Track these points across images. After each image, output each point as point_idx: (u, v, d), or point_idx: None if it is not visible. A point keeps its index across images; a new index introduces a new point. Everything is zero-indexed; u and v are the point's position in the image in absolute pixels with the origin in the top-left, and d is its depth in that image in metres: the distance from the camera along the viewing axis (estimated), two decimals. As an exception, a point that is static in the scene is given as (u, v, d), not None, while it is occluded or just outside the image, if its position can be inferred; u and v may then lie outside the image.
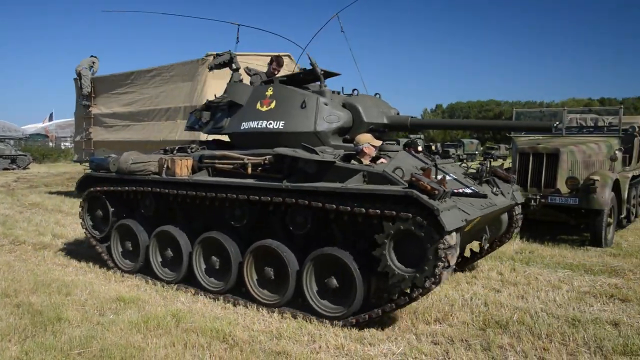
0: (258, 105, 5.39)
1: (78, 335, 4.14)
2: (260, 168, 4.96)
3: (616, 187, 7.93)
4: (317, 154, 4.53)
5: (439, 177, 4.22)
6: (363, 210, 4.11)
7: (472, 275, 5.93)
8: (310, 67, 5.36)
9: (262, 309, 4.78)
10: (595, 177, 7.43)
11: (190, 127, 6.33)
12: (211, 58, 11.23)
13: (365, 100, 5.38)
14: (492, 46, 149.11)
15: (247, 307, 4.87)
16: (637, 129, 9.76)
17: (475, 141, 45.23)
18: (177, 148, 5.95)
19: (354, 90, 5.44)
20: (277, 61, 6.20)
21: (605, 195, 7.39)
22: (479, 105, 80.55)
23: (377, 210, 4.06)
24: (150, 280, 5.66)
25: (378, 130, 5.27)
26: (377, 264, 4.21)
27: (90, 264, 6.47)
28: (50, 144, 41.14)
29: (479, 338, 4.18)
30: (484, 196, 4.37)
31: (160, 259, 5.71)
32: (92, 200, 6.35)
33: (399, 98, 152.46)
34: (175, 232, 5.47)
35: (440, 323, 4.51)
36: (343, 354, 3.92)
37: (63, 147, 38.84)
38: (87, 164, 13.71)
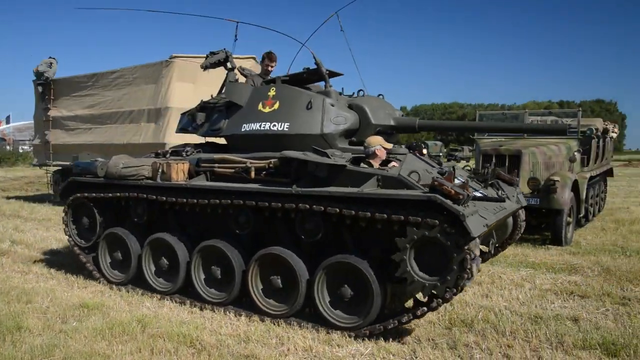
0: (260, 106, 5.15)
1: (39, 344, 3.97)
2: (264, 172, 4.72)
3: (575, 187, 8.14)
4: (328, 157, 4.36)
5: (458, 181, 4.13)
6: (385, 216, 3.92)
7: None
8: (315, 66, 5.19)
9: (229, 312, 4.72)
10: (556, 178, 7.63)
11: (182, 129, 6.01)
12: (178, 60, 10.82)
13: (371, 101, 5.20)
14: (456, 50, 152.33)
15: (214, 311, 4.80)
16: (594, 131, 10.09)
17: (439, 143, 45.92)
18: (170, 151, 5.63)
19: (359, 90, 5.26)
20: (268, 57, 5.95)
21: (565, 196, 7.59)
22: (443, 107, 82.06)
23: (401, 217, 3.87)
24: (115, 287, 5.44)
25: (385, 133, 5.14)
26: (395, 270, 4.02)
27: (52, 270, 6.23)
28: (8, 147, 39.39)
29: (445, 337, 4.23)
30: (502, 200, 4.30)
31: (154, 269, 5.37)
32: (77, 207, 5.93)
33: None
34: (172, 240, 5.12)
35: (407, 323, 4.33)
36: (311, 356, 3.91)
37: (21, 151, 37.41)
38: (47, 167, 13.25)
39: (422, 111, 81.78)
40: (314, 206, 4.19)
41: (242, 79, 6.10)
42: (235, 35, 5.76)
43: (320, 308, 4.34)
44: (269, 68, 5.96)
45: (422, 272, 3.91)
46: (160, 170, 5.10)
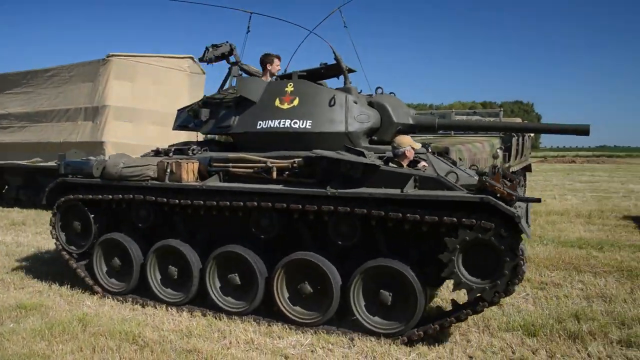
0: (277, 103, 4.80)
1: (-28, 349, 3.81)
2: (287, 172, 4.44)
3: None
4: (364, 156, 4.12)
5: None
6: (436, 218, 3.70)
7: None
8: (334, 62, 4.90)
9: (172, 309, 4.71)
10: None
11: (181, 126, 5.57)
12: (115, 58, 10.45)
13: (390, 99, 5.01)
14: (385, 51, 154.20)
15: (155, 308, 4.79)
16: None
17: None
18: (172, 149, 5.19)
19: (377, 88, 5.04)
20: (276, 58, 5.49)
21: None
22: None
23: (454, 219, 3.68)
24: (54, 287, 5.17)
25: (404, 132, 4.96)
26: (436, 272, 3.90)
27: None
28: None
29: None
30: (538, 200, 4.22)
31: (159, 278, 4.92)
32: (67, 211, 5.33)
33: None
34: (182, 247, 4.70)
35: (346, 314, 4.27)
36: (253, 348, 3.97)
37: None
38: None
39: None
40: (356, 209, 3.92)
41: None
42: (248, 27, 5.36)
43: (357, 314, 4.08)
44: (275, 71, 5.51)
45: (469, 273, 3.76)
46: (168, 170, 4.68)
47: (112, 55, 11.04)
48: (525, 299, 5.07)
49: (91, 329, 4.20)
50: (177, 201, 4.58)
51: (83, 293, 5.13)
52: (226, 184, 4.51)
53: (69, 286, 5.27)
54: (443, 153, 5.02)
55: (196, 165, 4.73)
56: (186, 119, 5.51)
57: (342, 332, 4.11)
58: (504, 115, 11.96)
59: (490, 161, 8.68)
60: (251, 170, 4.53)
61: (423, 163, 4.46)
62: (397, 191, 3.87)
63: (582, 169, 30.76)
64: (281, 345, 3.99)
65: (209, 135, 6.50)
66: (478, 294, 3.73)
